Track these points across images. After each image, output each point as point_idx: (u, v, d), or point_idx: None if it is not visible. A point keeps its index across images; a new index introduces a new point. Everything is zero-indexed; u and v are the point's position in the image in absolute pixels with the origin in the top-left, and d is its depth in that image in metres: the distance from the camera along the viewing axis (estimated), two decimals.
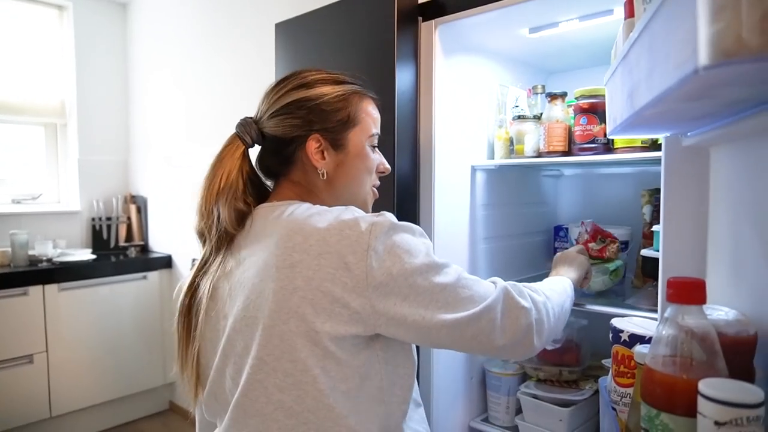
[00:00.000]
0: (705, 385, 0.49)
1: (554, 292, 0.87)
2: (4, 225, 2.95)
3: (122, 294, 3.05)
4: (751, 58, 0.36)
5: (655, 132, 0.87)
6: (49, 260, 2.89)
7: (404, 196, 1.31)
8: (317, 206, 0.81)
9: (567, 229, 1.69)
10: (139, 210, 3.40)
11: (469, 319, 0.72)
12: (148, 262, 3.19)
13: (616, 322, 0.76)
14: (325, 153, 0.85)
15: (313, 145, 0.84)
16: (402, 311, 0.71)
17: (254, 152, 0.91)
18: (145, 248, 3.40)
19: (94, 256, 3.06)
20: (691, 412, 0.52)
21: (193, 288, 0.84)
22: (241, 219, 0.83)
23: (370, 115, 0.90)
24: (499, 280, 0.81)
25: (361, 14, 1.37)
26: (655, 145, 1.14)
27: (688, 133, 0.77)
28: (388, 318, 0.72)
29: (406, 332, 0.73)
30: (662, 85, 0.46)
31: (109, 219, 3.37)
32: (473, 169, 1.48)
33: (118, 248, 3.36)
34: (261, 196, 0.90)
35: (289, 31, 1.58)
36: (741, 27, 0.35)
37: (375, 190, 0.94)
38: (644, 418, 0.58)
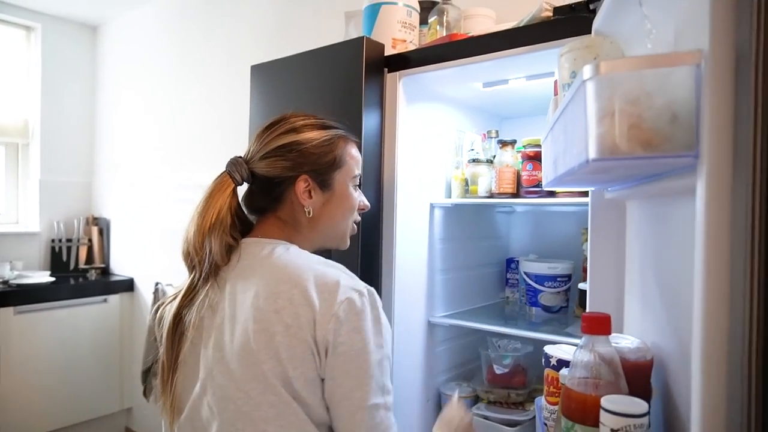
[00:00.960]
0: (605, 401, 0.62)
1: None
2: None
3: (81, 317, 3.02)
4: (622, 158, 0.49)
5: (582, 187, 1.02)
6: (5, 282, 2.86)
7: (368, 232, 1.42)
8: (304, 253, 0.90)
9: (518, 261, 1.83)
10: (101, 232, 3.39)
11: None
12: (109, 285, 3.17)
13: (547, 348, 0.88)
14: (312, 192, 0.93)
15: (301, 185, 0.92)
16: (340, 376, 0.80)
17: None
18: (106, 271, 3.38)
19: (52, 279, 3.04)
20: (597, 423, 0.64)
21: (180, 315, 0.90)
22: (229, 252, 0.90)
23: (354, 157, 0.99)
24: None
25: (333, 63, 1.49)
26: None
27: (609, 189, 0.92)
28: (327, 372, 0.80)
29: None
30: (572, 163, 0.60)
31: (69, 240, 3.34)
32: (432, 207, 1.61)
33: (78, 270, 3.33)
34: (245, 229, 0.97)
35: (263, 73, 1.69)
36: (615, 133, 0.49)
37: (355, 225, 1.03)
38: (563, 429, 0.70)
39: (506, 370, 1.50)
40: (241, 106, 2.11)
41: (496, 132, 1.65)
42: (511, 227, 2.00)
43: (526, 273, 1.53)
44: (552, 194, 1.39)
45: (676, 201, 0.64)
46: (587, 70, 0.50)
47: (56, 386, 2.88)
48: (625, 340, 0.76)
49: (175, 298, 0.91)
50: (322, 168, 0.94)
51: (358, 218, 1.04)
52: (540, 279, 1.49)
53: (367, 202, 1.04)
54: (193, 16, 2.82)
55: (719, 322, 0.45)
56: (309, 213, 0.94)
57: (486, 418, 1.47)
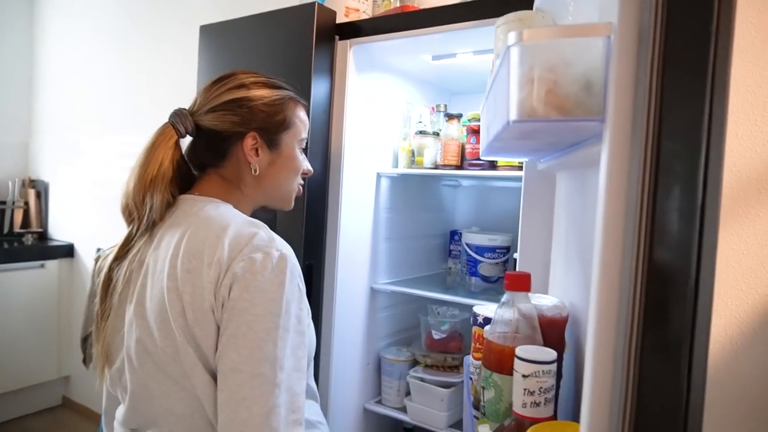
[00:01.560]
0: (519, 350, 0.67)
1: None
2: None
3: (16, 283, 2.90)
4: (539, 120, 0.53)
5: (516, 157, 1.07)
6: None
7: (313, 198, 1.44)
8: (232, 212, 0.88)
9: (461, 234, 1.90)
10: (38, 195, 3.25)
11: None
12: (46, 250, 3.05)
13: (476, 308, 0.93)
14: (260, 150, 0.92)
15: (249, 142, 0.90)
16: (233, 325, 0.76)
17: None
18: (44, 236, 3.25)
19: None
20: (512, 371, 0.69)
21: (113, 268, 0.88)
22: (168, 208, 0.89)
23: (302, 120, 0.98)
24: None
25: (284, 28, 1.48)
26: None
27: (541, 160, 0.97)
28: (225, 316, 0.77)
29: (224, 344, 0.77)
30: (497, 127, 0.63)
31: (3, 203, 3.19)
32: (378, 176, 1.64)
33: (12, 234, 3.19)
34: (186, 186, 0.94)
35: (213, 34, 1.65)
36: (533, 98, 0.53)
37: (300, 187, 1.03)
38: (483, 378, 0.75)
39: (444, 336, 1.57)
40: (191, 69, 2.06)
41: (445, 106, 1.69)
42: (457, 201, 2.06)
43: (467, 244, 1.59)
44: (493, 167, 1.45)
45: (593, 171, 0.70)
46: (512, 37, 0.53)
47: None
48: (545, 299, 0.82)
49: (112, 251, 0.91)
50: (272, 127, 0.93)
51: (301, 181, 1.04)
52: (480, 250, 1.55)
53: (310, 168, 1.05)
54: None
55: (612, 276, 0.50)
56: (255, 171, 0.92)
57: (422, 380, 1.54)
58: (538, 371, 0.64)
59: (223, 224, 0.82)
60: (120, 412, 0.90)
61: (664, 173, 0.46)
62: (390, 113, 1.67)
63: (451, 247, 1.95)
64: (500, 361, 0.72)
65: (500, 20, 0.76)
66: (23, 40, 3.31)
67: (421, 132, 1.60)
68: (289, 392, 0.76)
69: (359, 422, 1.67)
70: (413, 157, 1.63)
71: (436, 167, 1.55)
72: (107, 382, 0.91)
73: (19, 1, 3.27)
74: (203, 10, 2.40)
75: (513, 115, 0.54)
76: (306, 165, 1.03)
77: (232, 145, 0.92)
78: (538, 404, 0.65)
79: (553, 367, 0.66)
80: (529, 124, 0.54)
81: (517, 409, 0.66)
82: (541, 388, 0.65)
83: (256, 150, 0.92)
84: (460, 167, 1.52)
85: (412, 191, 1.81)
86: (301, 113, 1.00)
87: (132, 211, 0.88)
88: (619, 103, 0.48)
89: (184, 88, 2.40)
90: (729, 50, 0.45)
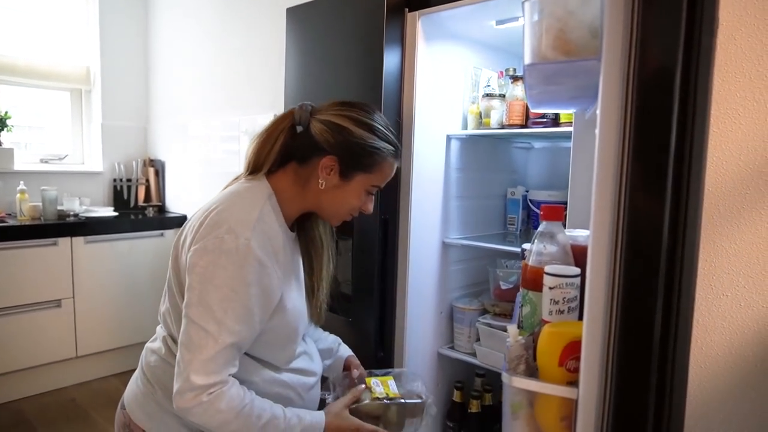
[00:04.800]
0: (547, 267, 0.78)
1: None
2: (33, 182, 3.24)
3: (140, 249, 3.33)
4: (549, 62, 0.64)
5: (563, 108, 1.15)
6: (76, 215, 3.17)
7: None
8: (246, 191, 1.03)
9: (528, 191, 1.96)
10: (157, 173, 3.69)
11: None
12: (164, 221, 3.47)
13: (524, 245, 1.04)
14: (332, 173, 1.04)
15: (328, 161, 1.03)
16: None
17: None
18: (162, 208, 3.70)
19: (116, 214, 3.35)
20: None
21: None
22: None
23: (385, 173, 1.08)
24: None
25: (359, 4, 1.63)
26: None
27: (588, 109, 1.05)
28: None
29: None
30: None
31: (129, 180, 3.66)
32: (448, 138, 1.75)
33: (137, 207, 3.66)
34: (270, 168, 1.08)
35: (297, 15, 1.84)
36: (542, 43, 0.63)
37: (351, 216, 1.11)
38: (521, 296, 0.87)
39: (511, 286, 1.67)
40: (281, 49, 2.25)
41: (514, 69, 1.76)
42: (529, 163, 2.12)
43: (530, 200, 1.67)
44: (557, 125, 1.51)
45: None
46: None
47: (121, 308, 3.24)
48: (581, 232, 0.92)
49: None
50: (352, 162, 1.03)
51: (356, 214, 1.12)
52: (541, 205, 1.62)
53: (370, 209, 1.12)
54: None
55: (604, 208, 0.60)
56: (321, 185, 1.04)
57: (490, 326, 1.65)
58: (562, 284, 0.75)
59: (228, 201, 1.01)
60: None
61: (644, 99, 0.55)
62: (458, 78, 1.77)
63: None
64: (534, 281, 0.84)
65: None
66: (140, 39, 3.74)
67: (488, 95, 1.69)
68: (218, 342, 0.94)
69: (434, 366, 1.82)
70: (481, 119, 1.72)
71: (503, 127, 1.64)
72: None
73: (136, 6, 3.70)
74: None
75: (527, 60, 0.65)
76: (365, 206, 1.11)
77: (316, 156, 1.04)
78: (562, 312, 0.76)
79: (576, 280, 0.76)
80: (541, 66, 0.65)
81: (545, 316, 0.77)
82: (564, 298, 0.76)
83: (330, 170, 1.04)
84: (524, 126, 1.59)
85: (481, 152, 1.90)
86: (389, 168, 1.08)
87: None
88: (611, 39, 0.58)
89: (274, 69, 2.64)
90: None
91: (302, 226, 1.17)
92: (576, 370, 0.69)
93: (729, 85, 0.55)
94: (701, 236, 0.58)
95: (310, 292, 1.18)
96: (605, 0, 0.58)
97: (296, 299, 1.08)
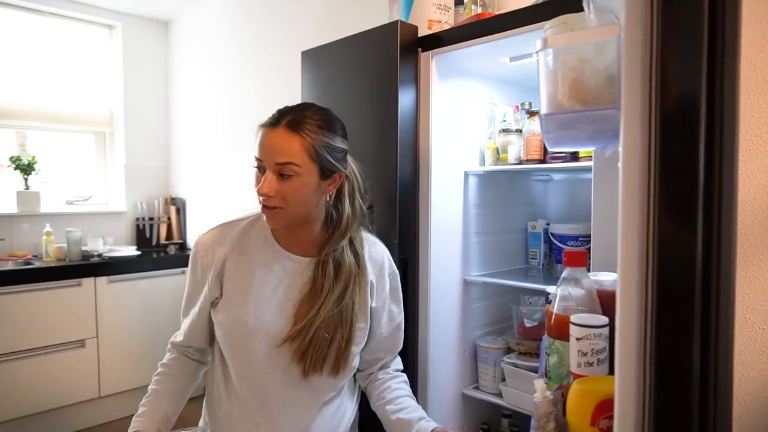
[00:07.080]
0: (573, 317, 0.75)
1: None
2: (59, 223, 3.31)
3: (162, 287, 3.35)
4: (565, 111, 0.62)
5: (580, 147, 1.13)
6: (100, 255, 3.22)
7: (404, 198, 1.58)
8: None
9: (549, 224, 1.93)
10: (178, 211, 3.74)
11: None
12: (185, 258, 3.46)
13: (548, 288, 1.01)
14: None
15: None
16: None
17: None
18: (183, 246, 3.74)
19: (138, 253, 3.39)
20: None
21: None
22: None
23: (258, 142, 1.17)
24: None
25: (372, 46, 1.65)
26: None
27: (607, 148, 1.03)
28: None
29: None
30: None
31: (151, 219, 3.72)
32: (466, 174, 1.74)
33: (159, 245, 3.71)
34: None
35: (312, 57, 1.87)
36: (559, 93, 0.62)
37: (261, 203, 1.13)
38: (547, 346, 0.83)
39: (536, 324, 1.63)
40: (296, 90, 2.30)
41: (530, 104, 1.75)
42: (548, 195, 2.09)
43: (552, 234, 1.64)
44: (576, 159, 1.49)
45: None
46: (538, 43, 0.63)
47: (144, 346, 3.24)
48: (608, 276, 0.88)
49: None
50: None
51: (261, 199, 1.12)
52: (563, 239, 1.59)
53: (258, 188, 1.11)
54: (253, 6, 3.05)
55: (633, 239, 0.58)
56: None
57: (516, 365, 1.60)
58: (590, 334, 0.72)
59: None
60: None
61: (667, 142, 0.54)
62: (474, 114, 1.77)
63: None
64: (560, 329, 0.81)
65: (547, 24, 0.84)
66: (161, 79, 3.86)
67: (504, 130, 1.68)
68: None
69: (459, 407, 1.77)
70: (498, 155, 1.71)
71: (520, 162, 1.62)
72: None
73: (157, 54, 3.83)
74: (305, 36, 2.66)
75: (544, 109, 0.64)
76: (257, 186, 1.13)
77: None
78: (591, 364, 0.72)
79: (604, 330, 0.73)
80: (558, 116, 0.63)
81: (573, 368, 0.74)
82: (593, 349, 0.72)
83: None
84: (542, 161, 1.57)
85: (500, 187, 1.88)
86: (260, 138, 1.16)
87: None
88: (629, 90, 0.56)
89: None
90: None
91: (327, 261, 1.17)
92: (610, 430, 0.66)
93: (752, 112, 0.53)
94: (736, 269, 0.55)
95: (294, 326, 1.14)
96: (621, 47, 0.57)
97: (243, 312, 1.15)
